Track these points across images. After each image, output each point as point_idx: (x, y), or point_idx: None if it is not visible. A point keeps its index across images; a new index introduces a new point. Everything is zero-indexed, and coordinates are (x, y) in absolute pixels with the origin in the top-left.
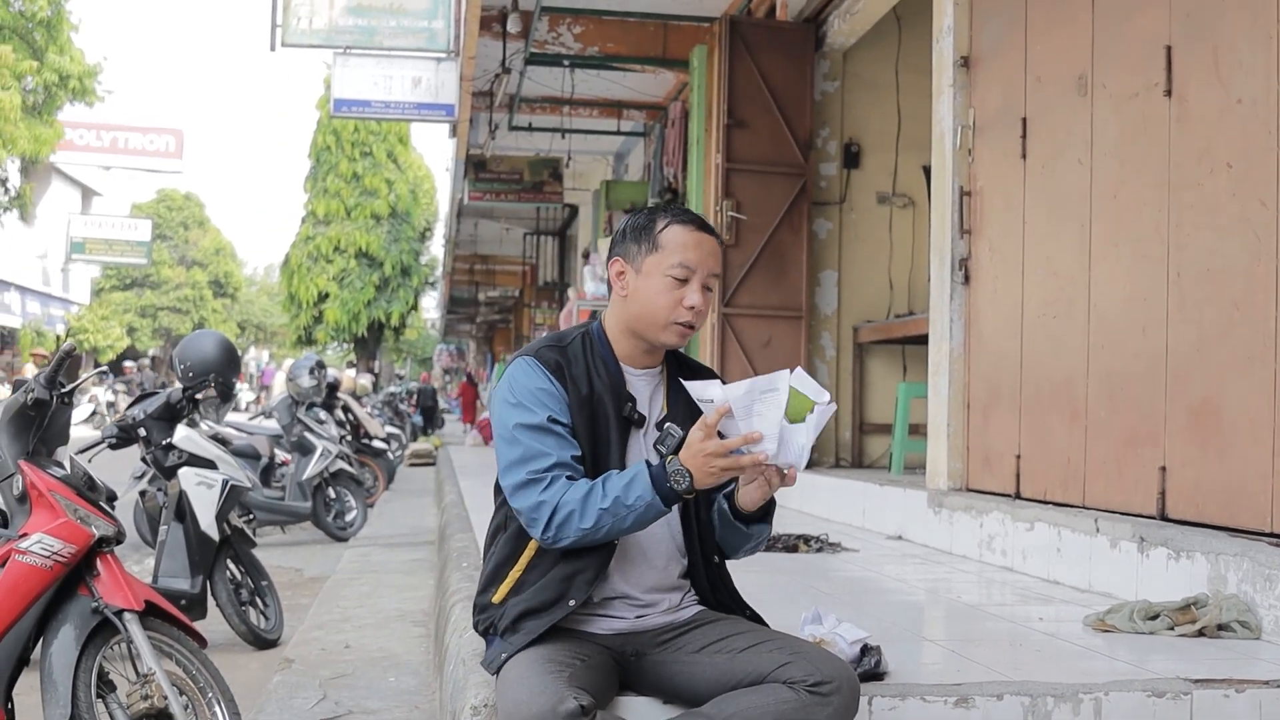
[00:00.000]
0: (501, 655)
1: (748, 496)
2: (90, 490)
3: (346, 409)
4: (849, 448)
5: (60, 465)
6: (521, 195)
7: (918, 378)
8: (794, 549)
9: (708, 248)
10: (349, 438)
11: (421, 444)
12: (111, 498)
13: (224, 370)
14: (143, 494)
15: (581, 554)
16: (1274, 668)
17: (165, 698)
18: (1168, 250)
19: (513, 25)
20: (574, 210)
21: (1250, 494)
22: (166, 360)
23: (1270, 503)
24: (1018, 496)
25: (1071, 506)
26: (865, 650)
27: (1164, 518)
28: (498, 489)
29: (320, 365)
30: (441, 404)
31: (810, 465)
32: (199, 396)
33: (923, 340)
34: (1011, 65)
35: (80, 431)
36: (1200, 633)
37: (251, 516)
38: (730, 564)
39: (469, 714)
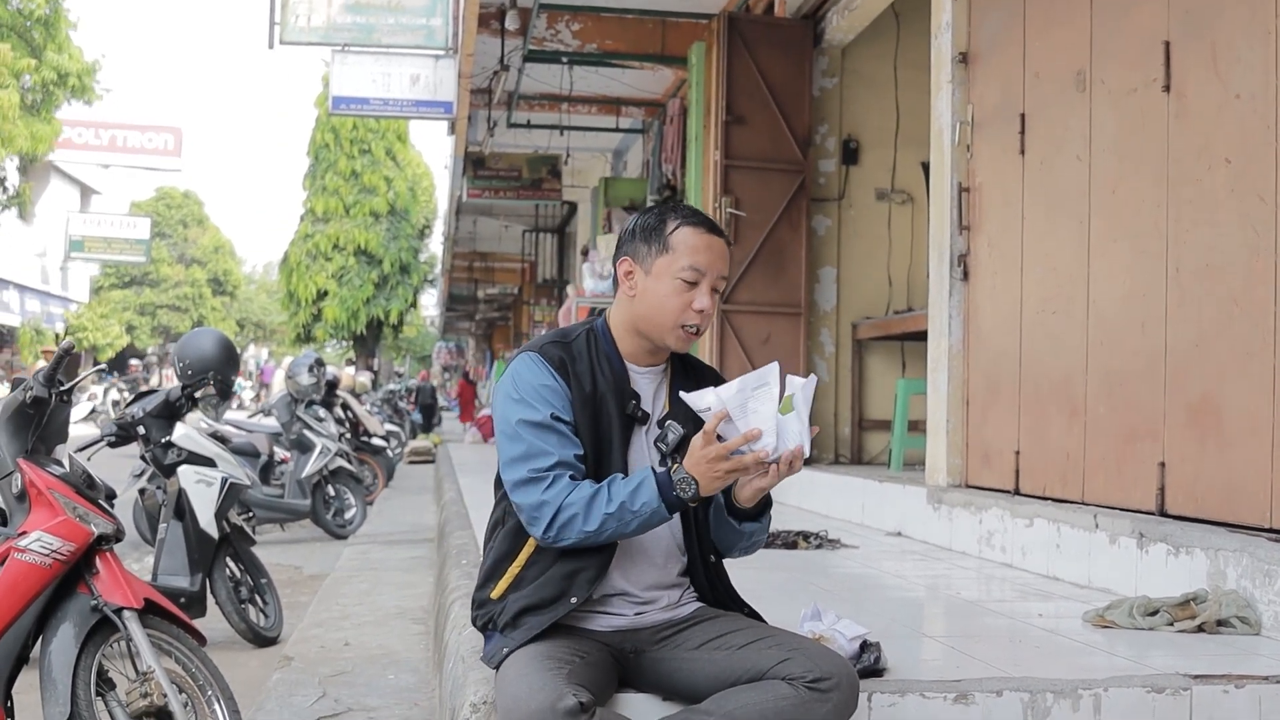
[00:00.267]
0: (502, 650)
1: (746, 490)
2: (89, 488)
3: (346, 406)
4: (848, 444)
5: (59, 463)
6: (520, 192)
7: (917, 374)
8: (793, 545)
9: (717, 250)
10: (348, 435)
11: (421, 441)
12: (111, 496)
13: (223, 368)
14: (142, 492)
15: (583, 552)
16: (1273, 663)
17: (165, 696)
18: (1166, 246)
19: (511, 22)
20: (573, 207)
21: (1249, 489)
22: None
23: (1269, 498)
24: (1017, 492)
25: (1071, 502)
26: (864, 646)
27: (1163, 513)
28: (498, 483)
29: (319, 363)
30: (441, 402)
31: (809, 462)
32: (198, 394)
33: (922, 336)
34: (1010, 61)
35: (80, 430)
36: (1200, 628)
37: (251, 514)
38: (728, 562)
39: (468, 711)
